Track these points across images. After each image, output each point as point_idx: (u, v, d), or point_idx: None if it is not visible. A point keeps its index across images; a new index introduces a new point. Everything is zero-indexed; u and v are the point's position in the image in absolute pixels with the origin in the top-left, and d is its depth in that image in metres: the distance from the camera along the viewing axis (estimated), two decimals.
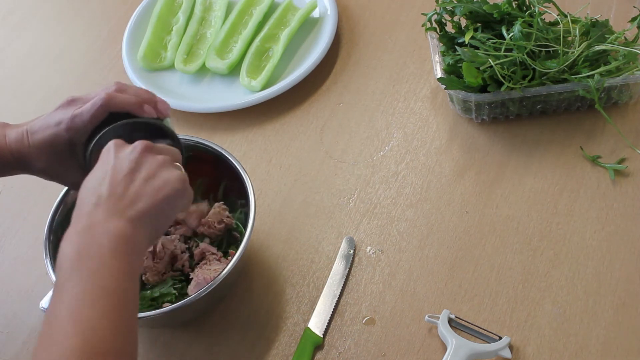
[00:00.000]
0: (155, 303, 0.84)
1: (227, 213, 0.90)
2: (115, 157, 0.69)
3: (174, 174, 0.69)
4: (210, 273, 0.84)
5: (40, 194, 1.03)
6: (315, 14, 1.15)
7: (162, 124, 0.76)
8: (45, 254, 0.84)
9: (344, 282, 0.88)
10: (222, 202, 0.91)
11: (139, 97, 0.76)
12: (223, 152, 0.89)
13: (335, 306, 0.86)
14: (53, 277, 0.81)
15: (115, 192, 0.66)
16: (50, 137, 0.74)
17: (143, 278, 0.86)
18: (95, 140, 0.73)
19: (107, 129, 0.73)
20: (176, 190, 0.68)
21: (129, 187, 0.66)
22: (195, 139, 0.90)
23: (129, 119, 0.74)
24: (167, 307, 0.80)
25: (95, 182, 0.67)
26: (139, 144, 0.69)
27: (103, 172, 0.68)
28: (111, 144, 0.70)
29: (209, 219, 0.89)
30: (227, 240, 0.90)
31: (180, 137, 0.77)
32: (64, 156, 0.75)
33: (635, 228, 0.87)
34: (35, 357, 0.58)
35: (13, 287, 0.96)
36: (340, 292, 0.87)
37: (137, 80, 1.11)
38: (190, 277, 0.85)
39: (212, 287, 0.78)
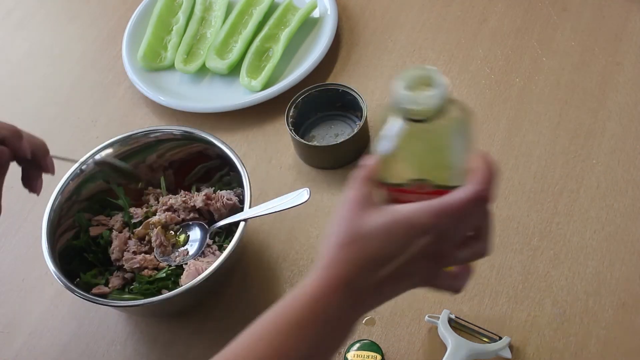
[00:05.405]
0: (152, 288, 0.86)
1: (231, 195, 0.91)
2: (412, 245, 0.56)
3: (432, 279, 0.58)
4: (203, 264, 0.85)
5: (40, 194, 1.03)
6: (315, 14, 1.15)
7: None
8: (45, 254, 0.84)
9: None
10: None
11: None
12: (223, 146, 0.90)
13: None
14: (55, 277, 0.81)
15: (380, 280, 0.56)
16: None
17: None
18: None
19: None
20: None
21: (387, 282, 0.56)
22: (204, 134, 0.92)
23: None
24: (156, 297, 0.81)
25: (376, 254, 0.55)
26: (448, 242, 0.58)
27: (390, 251, 0.55)
28: (422, 224, 0.56)
29: (213, 196, 0.91)
30: (226, 235, 0.91)
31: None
32: None
33: (635, 228, 0.87)
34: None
35: (13, 287, 0.96)
36: None
37: (137, 80, 1.11)
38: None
39: (204, 278, 0.79)
